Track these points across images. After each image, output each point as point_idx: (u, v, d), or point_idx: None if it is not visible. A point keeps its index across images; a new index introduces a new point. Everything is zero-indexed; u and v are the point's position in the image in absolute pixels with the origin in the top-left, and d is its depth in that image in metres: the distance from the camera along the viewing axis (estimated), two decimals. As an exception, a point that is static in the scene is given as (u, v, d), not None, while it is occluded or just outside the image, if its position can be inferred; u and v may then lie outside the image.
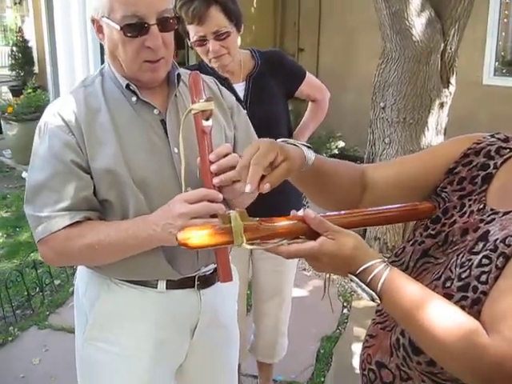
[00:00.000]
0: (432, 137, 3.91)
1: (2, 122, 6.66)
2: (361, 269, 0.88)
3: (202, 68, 2.04)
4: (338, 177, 1.15)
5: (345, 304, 3.52)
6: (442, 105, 3.87)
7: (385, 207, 1.05)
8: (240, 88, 2.11)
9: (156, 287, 1.40)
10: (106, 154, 1.29)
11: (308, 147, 1.07)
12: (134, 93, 1.35)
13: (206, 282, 1.46)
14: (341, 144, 6.07)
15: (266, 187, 0.96)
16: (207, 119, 1.26)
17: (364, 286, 0.87)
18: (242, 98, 2.08)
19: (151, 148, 1.34)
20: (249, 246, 0.88)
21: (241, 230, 0.88)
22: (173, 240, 0.97)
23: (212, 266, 1.45)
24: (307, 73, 2.32)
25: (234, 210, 0.90)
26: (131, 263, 1.32)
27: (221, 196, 1.22)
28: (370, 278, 0.87)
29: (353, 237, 0.91)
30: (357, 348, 3.02)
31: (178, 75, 1.42)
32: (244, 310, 2.42)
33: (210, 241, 0.88)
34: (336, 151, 6.01)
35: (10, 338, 3.09)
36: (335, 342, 3.09)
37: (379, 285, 0.86)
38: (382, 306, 0.89)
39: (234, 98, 1.59)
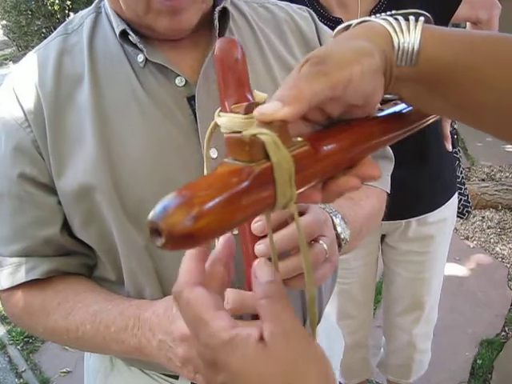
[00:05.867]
0: None
1: None
2: None
3: None
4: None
5: (515, 293, 2.70)
6: None
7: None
8: None
9: (177, 379, 0.85)
10: (80, 159, 0.71)
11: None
12: (139, 47, 0.73)
13: None
14: None
15: None
16: None
17: None
18: None
19: (165, 148, 0.72)
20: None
21: (291, 172, 0.37)
22: (174, 368, 0.63)
23: None
24: None
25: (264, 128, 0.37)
26: None
27: None
28: None
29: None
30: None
31: (224, 11, 0.77)
32: (370, 314, 1.81)
33: (233, 214, 0.35)
34: None
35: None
36: (498, 350, 2.34)
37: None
38: None
39: None
